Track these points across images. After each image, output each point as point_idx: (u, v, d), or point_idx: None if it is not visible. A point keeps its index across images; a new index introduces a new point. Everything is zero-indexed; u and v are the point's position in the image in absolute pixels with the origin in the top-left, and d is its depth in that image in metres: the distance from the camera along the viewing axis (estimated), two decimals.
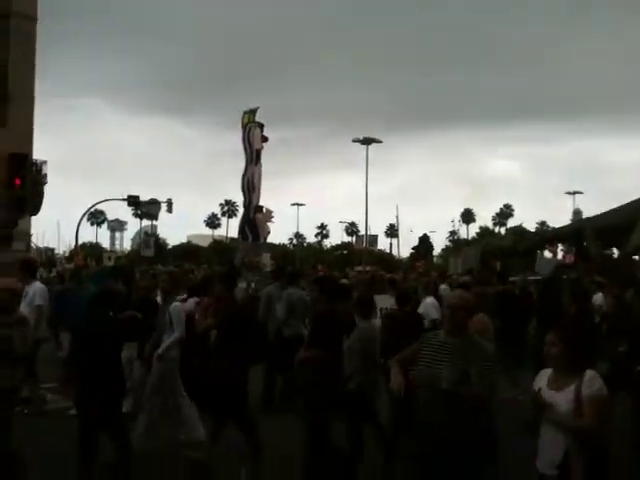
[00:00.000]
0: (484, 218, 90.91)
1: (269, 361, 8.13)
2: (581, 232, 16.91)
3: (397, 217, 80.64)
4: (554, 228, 22.83)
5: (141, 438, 5.89)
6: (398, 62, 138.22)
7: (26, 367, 5.59)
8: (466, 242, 71.91)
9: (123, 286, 7.74)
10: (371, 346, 5.76)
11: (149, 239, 37.56)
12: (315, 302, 7.18)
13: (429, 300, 9.45)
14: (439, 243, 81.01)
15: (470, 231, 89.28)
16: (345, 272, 26.01)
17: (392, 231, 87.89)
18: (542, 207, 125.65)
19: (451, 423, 3.69)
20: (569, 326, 3.77)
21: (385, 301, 8.82)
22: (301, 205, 68.44)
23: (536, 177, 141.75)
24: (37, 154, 21.80)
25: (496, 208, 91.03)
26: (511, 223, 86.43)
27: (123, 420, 5.36)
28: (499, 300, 10.02)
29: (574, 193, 57.36)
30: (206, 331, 6.39)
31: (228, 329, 5.76)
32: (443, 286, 12.00)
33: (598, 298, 13.03)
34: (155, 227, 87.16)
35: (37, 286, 7.85)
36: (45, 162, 23.42)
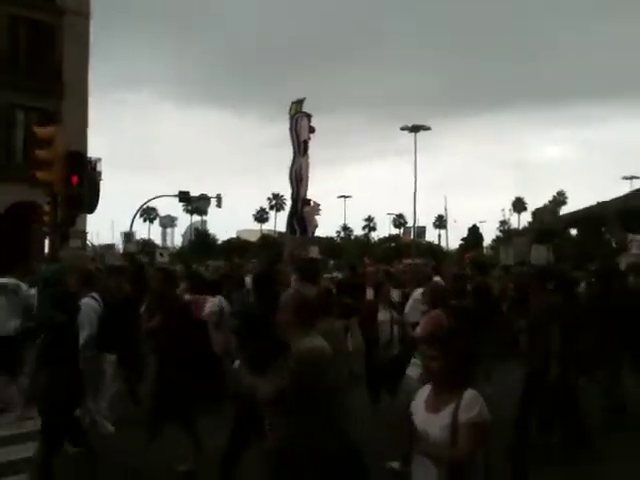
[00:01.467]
0: (536, 206, 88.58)
1: None
2: (601, 216, 15.83)
3: (445, 208, 79.51)
4: (572, 212, 21.51)
5: None
6: (446, 47, 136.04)
7: None
8: (517, 232, 70.30)
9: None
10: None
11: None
12: None
13: (418, 294, 8.78)
14: (489, 233, 79.49)
15: (522, 220, 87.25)
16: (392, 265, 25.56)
17: (441, 222, 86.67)
18: (598, 193, 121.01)
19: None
20: (451, 337, 3.21)
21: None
22: (348, 197, 68.29)
23: (592, 161, 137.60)
24: (90, 150, 22.34)
25: (549, 196, 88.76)
26: (564, 211, 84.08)
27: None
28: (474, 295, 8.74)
29: (631, 178, 55.17)
30: (151, 331, 6.07)
31: (168, 329, 5.59)
32: (437, 278, 11.30)
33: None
34: (205, 222, 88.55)
35: None
36: (100, 159, 23.91)
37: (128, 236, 38.06)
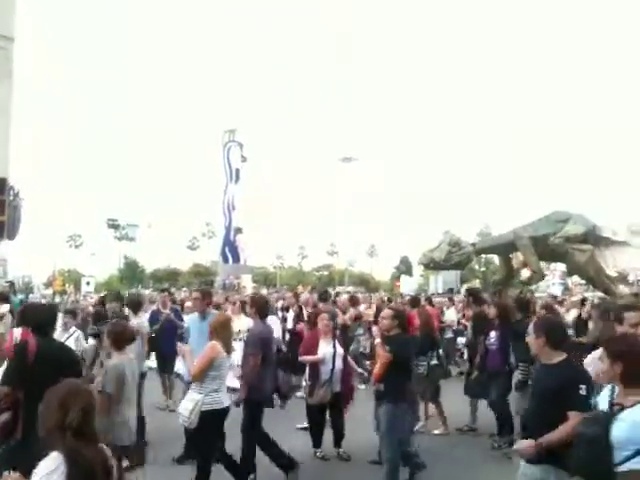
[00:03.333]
0: (466, 236, 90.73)
1: None
2: (514, 243, 15.97)
3: (374, 238, 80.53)
4: (486, 239, 22.27)
5: None
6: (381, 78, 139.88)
7: None
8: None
9: None
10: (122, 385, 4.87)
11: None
12: None
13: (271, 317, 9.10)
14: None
15: None
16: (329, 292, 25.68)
17: (373, 251, 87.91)
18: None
19: None
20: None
21: (240, 324, 8.23)
22: (281, 226, 68.42)
23: (517, 191, 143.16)
24: (13, 175, 21.49)
25: (476, 227, 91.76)
26: None
27: None
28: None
29: None
30: None
31: None
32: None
33: (450, 314, 12.80)
34: (135, 250, 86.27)
35: None
36: (20, 186, 23.01)
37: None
